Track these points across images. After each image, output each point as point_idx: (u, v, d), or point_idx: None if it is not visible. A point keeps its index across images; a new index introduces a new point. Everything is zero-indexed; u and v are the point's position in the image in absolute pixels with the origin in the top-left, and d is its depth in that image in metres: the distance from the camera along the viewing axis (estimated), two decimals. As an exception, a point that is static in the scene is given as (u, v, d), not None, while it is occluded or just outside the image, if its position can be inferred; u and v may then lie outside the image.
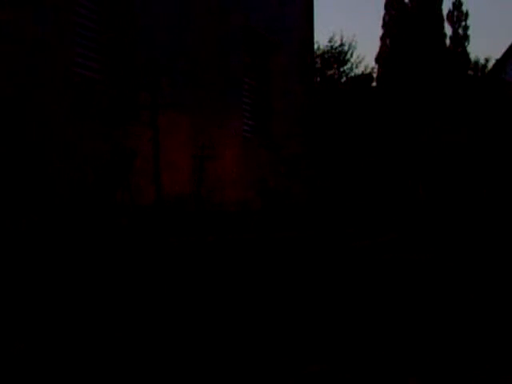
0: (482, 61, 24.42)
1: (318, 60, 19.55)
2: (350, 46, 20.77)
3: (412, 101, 15.38)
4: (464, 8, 28.10)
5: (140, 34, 8.30)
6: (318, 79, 18.84)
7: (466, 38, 27.47)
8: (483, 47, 51.43)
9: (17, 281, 3.96)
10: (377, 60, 26.56)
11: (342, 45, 20.66)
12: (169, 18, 8.88)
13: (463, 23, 27.82)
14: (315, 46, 15.81)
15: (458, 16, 27.95)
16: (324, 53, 20.25)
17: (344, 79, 20.05)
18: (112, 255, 5.12)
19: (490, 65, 23.69)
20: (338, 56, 20.38)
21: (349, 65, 20.62)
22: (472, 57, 26.35)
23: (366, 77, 20.37)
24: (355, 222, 10.07)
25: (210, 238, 6.12)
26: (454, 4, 28.18)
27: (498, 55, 26.16)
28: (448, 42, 27.15)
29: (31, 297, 3.56)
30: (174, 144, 8.63)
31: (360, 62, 23.83)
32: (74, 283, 3.99)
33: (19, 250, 4.94)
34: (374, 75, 22.67)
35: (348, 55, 20.67)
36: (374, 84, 21.29)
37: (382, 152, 15.11)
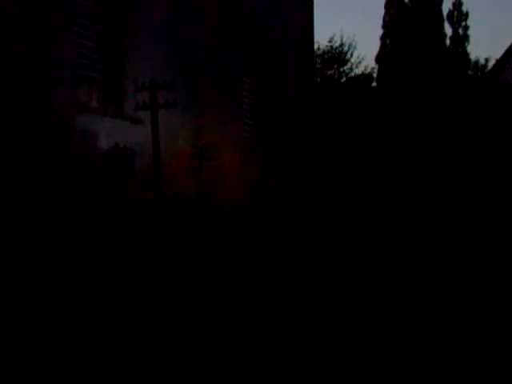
0: (482, 61, 24.42)
1: (318, 60, 19.54)
2: (350, 46, 20.77)
3: (412, 101, 15.38)
4: (464, 8, 28.04)
5: (140, 34, 8.30)
6: (318, 79, 18.83)
7: (466, 37, 27.42)
8: (483, 47, 51.35)
9: (18, 280, 3.97)
10: (377, 60, 26.50)
11: (342, 45, 20.66)
12: (169, 17, 8.88)
13: (463, 23, 27.76)
14: (315, 46, 15.81)
15: (458, 16, 27.90)
16: (324, 53, 20.25)
17: (344, 79, 20.04)
18: (112, 253, 5.12)
19: (490, 65, 23.69)
20: (338, 56, 20.38)
21: (349, 65, 20.63)
22: (472, 57, 26.30)
23: (365, 77, 20.37)
24: (356, 221, 10.07)
25: (211, 238, 6.13)
26: (453, 4, 28.12)
27: (498, 55, 26.14)
28: (448, 42, 27.11)
29: (32, 295, 3.56)
30: (174, 144, 8.63)
31: (360, 62, 23.80)
32: (75, 281, 4.00)
33: (20, 249, 4.94)
34: (374, 75, 22.65)
35: (348, 55, 20.68)
36: (374, 84, 21.27)
37: (383, 152, 15.11)
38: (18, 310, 3.21)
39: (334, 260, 5.56)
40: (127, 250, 5.40)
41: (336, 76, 20.03)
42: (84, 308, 3.30)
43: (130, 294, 3.73)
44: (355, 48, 20.85)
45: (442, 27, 27.00)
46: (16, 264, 4.48)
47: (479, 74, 22.23)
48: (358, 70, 20.74)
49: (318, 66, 19.41)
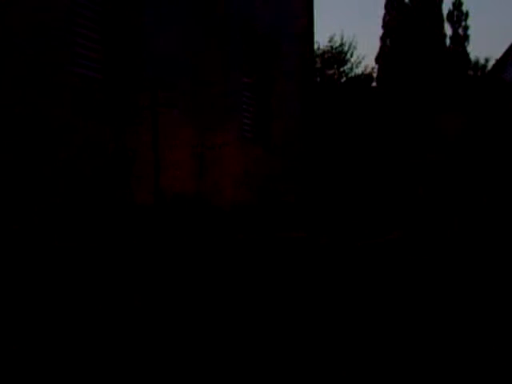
0: (481, 61, 24.47)
1: (318, 60, 19.57)
2: (350, 45, 20.80)
3: (412, 101, 15.38)
4: (464, 8, 28.12)
5: (141, 34, 8.30)
6: (318, 79, 18.84)
7: (466, 38, 27.48)
8: (483, 47, 51.45)
9: (17, 280, 3.96)
10: (377, 60, 26.56)
11: (342, 45, 20.69)
12: (170, 17, 8.88)
13: (463, 23, 27.84)
14: (315, 46, 15.82)
15: (458, 16, 27.97)
16: (324, 53, 20.27)
17: (344, 79, 20.06)
18: (112, 254, 5.12)
19: (490, 65, 23.72)
20: (337, 56, 20.40)
21: (349, 65, 20.65)
22: (472, 57, 26.37)
23: (365, 77, 20.38)
24: (355, 221, 10.07)
25: (212, 238, 6.13)
26: (453, 4, 28.19)
27: (498, 55, 26.17)
28: (448, 41, 27.16)
29: (32, 296, 3.56)
30: (174, 144, 8.63)
31: (360, 62, 23.85)
32: (75, 282, 3.99)
33: (20, 250, 4.94)
34: (374, 75, 22.68)
35: (348, 55, 20.70)
36: (374, 84, 21.30)
37: (382, 152, 15.11)
38: (11, 309, 3.20)
39: (334, 260, 5.56)
40: (127, 250, 5.40)
41: (336, 76, 20.04)
42: (80, 308, 3.29)
43: (131, 294, 3.72)
44: (355, 48, 20.88)
45: (442, 27, 27.07)
46: (8, 263, 4.48)
47: (479, 73, 22.24)
48: (358, 70, 20.77)
49: (318, 65, 19.42)
